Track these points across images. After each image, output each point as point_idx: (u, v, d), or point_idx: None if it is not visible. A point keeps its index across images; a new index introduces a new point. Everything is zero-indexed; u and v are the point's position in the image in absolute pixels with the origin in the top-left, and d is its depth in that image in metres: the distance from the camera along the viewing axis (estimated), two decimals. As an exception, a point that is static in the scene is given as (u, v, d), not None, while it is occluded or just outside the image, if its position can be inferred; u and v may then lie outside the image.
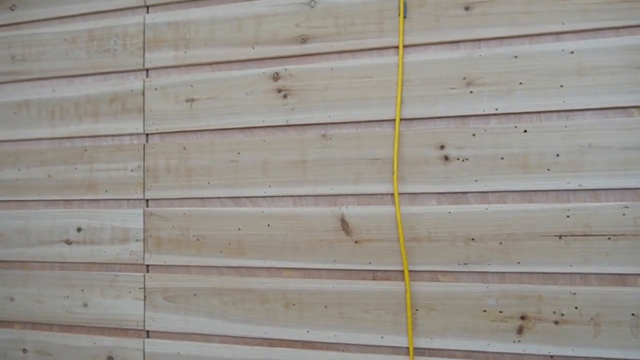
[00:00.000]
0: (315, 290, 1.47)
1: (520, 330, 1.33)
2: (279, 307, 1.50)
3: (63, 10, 1.71)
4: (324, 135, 1.46)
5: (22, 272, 1.76)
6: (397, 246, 1.40)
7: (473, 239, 1.36)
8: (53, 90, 1.72)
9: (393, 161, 1.40)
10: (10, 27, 1.78)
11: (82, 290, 1.69)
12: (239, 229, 1.53)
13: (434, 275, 1.39)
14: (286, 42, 1.50)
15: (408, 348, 1.40)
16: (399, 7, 1.39)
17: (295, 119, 1.49)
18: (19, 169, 1.76)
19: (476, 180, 1.36)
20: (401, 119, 1.40)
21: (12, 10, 1.77)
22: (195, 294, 1.57)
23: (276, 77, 1.50)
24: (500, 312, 1.34)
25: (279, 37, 1.50)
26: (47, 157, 1.73)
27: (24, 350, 1.73)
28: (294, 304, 1.49)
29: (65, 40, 1.71)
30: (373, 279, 1.43)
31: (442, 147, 1.38)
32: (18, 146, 1.77)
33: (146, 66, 1.63)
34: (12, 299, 1.77)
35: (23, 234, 1.76)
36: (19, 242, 1.76)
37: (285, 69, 1.49)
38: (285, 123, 1.50)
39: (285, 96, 1.49)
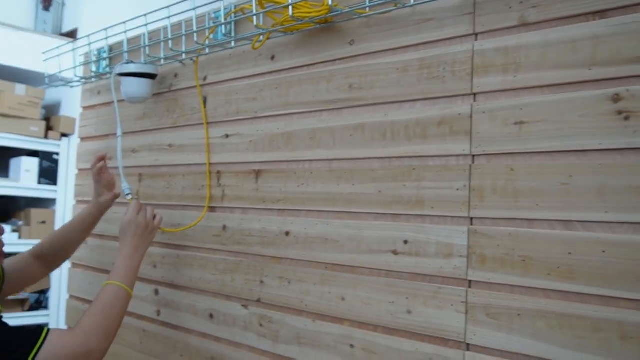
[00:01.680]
0: (660, 325, 1.37)
1: None
2: (614, 338, 1.43)
3: (397, 42, 1.88)
4: (674, 160, 1.35)
5: (352, 276, 1.99)
6: None
7: None
8: (385, 115, 1.91)
9: None
10: (349, 59, 2.03)
11: (407, 298, 1.83)
12: (569, 253, 1.51)
13: None
14: (628, 62, 1.42)
15: None
16: None
17: (638, 142, 1.40)
18: (353, 184, 2.00)
19: None
20: None
21: (351, 44, 2.02)
22: (519, 314, 1.59)
23: (616, 98, 1.44)
24: None
25: (620, 58, 1.43)
26: (378, 174, 1.92)
27: (351, 346, 1.96)
28: (631, 337, 1.40)
29: (397, 69, 1.88)
30: None
31: None
32: (352, 164, 2.01)
33: (474, 91, 1.70)
34: (343, 299, 2.01)
35: (354, 242, 1.99)
36: (350, 248, 2.00)
37: (627, 90, 1.42)
38: (626, 146, 1.42)
39: (626, 118, 1.42)
